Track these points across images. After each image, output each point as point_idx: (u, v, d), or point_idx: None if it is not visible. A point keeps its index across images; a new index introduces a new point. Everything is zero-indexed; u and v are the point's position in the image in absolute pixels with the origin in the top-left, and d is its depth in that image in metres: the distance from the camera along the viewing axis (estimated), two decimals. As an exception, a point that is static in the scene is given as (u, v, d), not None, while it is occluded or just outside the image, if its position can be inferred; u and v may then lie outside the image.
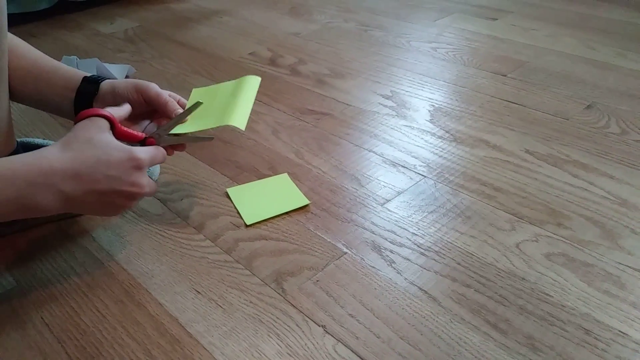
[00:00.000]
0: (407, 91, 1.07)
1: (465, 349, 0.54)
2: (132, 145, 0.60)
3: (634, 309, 0.57)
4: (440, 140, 0.90)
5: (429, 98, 1.04)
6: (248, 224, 0.72)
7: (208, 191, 0.79)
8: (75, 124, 0.59)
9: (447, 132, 0.92)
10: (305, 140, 0.91)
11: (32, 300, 0.62)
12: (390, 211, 0.73)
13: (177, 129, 0.67)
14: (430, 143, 0.89)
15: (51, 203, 0.54)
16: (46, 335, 0.57)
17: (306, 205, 0.75)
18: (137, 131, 0.65)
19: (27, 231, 0.72)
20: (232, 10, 1.64)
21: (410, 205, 0.74)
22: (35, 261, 0.67)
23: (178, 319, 0.58)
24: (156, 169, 0.82)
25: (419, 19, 1.49)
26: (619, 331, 0.55)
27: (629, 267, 0.63)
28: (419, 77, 1.13)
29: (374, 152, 0.87)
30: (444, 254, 0.66)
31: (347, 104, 1.03)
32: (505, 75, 1.12)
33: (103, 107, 0.68)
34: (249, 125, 0.95)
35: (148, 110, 0.70)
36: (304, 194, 0.77)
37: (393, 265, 0.64)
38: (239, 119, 0.67)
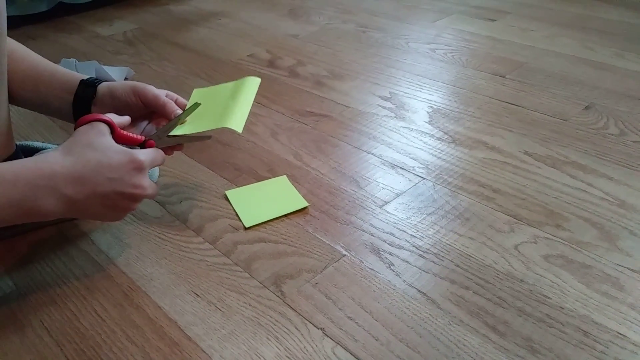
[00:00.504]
0: (405, 92, 1.07)
1: (464, 351, 0.54)
2: (132, 148, 0.60)
3: (632, 311, 0.57)
4: (438, 141, 0.90)
5: (428, 99, 1.04)
6: (247, 226, 0.72)
7: (207, 194, 0.79)
8: (75, 129, 0.59)
9: (445, 133, 0.92)
10: (304, 142, 0.91)
11: (31, 303, 0.62)
12: (389, 213, 0.73)
13: (176, 131, 0.67)
14: (429, 144, 0.89)
15: (54, 207, 0.54)
16: (45, 338, 0.57)
17: (305, 208, 0.75)
18: (135, 134, 0.65)
19: (26, 234, 0.72)
20: (230, 12, 1.64)
21: (409, 207, 0.74)
22: (35, 264, 0.67)
23: (177, 322, 0.58)
24: (155, 171, 0.82)
25: (417, 20, 1.49)
26: (618, 333, 0.55)
27: (628, 268, 0.63)
28: (417, 78, 1.14)
29: (372, 153, 0.87)
30: (442, 256, 0.66)
31: (346, 106, 1.03)
32: (503, 77, 1.12)
33: (102, 110, 0.68)
34: (247, 127, 0.95)
35: (146, 112, 0.70)
36: (303, 196, 0.77)
37: (392, 267, 0.64)
38: (236, 121, 0.67)
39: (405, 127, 0.95)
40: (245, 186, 0.80)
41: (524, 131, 0.92)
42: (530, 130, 0.92)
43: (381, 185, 0.79)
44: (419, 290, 0.61)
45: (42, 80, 0.70)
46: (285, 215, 0.73)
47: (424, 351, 0.54)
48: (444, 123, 0.95)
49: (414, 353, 0.54)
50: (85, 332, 0.58)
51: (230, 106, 0.69)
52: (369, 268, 0.64)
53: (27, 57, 0.70)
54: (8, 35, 0.62)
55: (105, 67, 1.15)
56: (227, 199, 0.77)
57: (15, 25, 1.56)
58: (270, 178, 0.82)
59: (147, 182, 0.60)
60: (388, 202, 0.76)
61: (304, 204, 0.75)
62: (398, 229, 0.71)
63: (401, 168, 0.83)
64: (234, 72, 1.21)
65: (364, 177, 0.81)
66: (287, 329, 0.57)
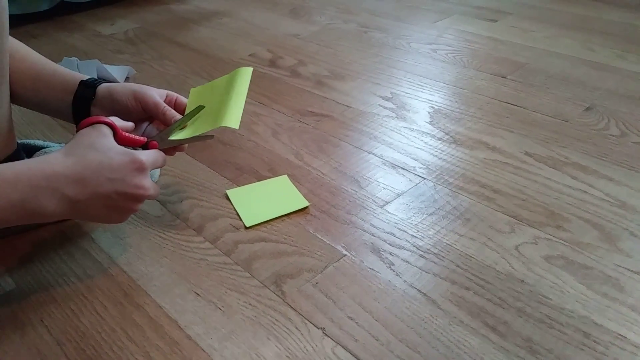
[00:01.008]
0: (406, 93, 1.07)
1: (464, 352, 0.54)
2: (134, 150, 0.60)
3: (632, 312, 0.57)
4: (439, 142, 0.90)
5: (429, 100, 1.04)
6: (247, 225, 0.72)
7: (208, 193, 0.79)
8: (77, 131, 0.60)
9: (446, 133, 0.92)
10: (305, 141, 0.91)
11: (32, 302, 0.62)
12: (390, 213, 0.73)
13: (177, 135, 0.68)
14: (430, 145, 0.89)
15: (55, 208, 0.54)
16: (45, 337, 0.57)
17: (306, 207, 0.75)
18: (137, 136, 0.65)
19: (26, 233, 0.72)
20: (232, 12, 1.64)
21: (410, 207, 0.74)
22: (35, 263, 0.67)
23: (177, 321, 0.58)
24: (156, 171, 0.82)
25: (418, 20, 1.49)
26: (618, 334, 0.55)
27: (628, 269, 0.63)
28: (418, 78, 1.14)
29: (373, 154, 0.87)
30: (443, 256, 0.66)
31: (347, 106, 1.03)
32: (504, 77, 1.12)
33: (101, 112, 0.68)
34: (248, 127, 0.95)
35: (146, 115, 0.70)
36: (304, 196, 0.77)
37: (392, 267, 0.64)
38: (232, 118, 0.67)
39: (406, 128, 0.95)
40: (246, 185, 0.80)
41: (524, 132, 0.92)
42: (531, 131, 0.92)
43: (382, 185, 0.79)
44: (419, 291, 0.61)
45: (42, 80, 0.70)
46: (286, 215, 0.74)
47: (424, 351, 0.54)
48: (445, 123, 0.95)
49: (414, 353, 0.54)
50: (85, 331, 0.58)
51: (224, 103, 0.69)
52: (370, 268, 0.64)
53: (28, 56, 0.70)
54: (10, 34, 0.62)
55: (107, 66, 1.15)
56: (227, 198, 0.78)
57: (17, 23, 1.56)
58: (271, 178, 0.82)
59: (148, 183, 0.60)
60: (389, 202, 0.76)
61: (305, 203, 0.75)
62: (399, 229, 0.71)
63: (402, 168, 0.83)
64: (235, 71, 1.21)
65: (364, 177, 0.81)
66: (287, 328, 0.57)
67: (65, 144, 0.60)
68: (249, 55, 1.30)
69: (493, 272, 0.63)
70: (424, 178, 0.81)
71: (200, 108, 0.68)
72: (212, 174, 0.83)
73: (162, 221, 0.74)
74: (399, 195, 0.77)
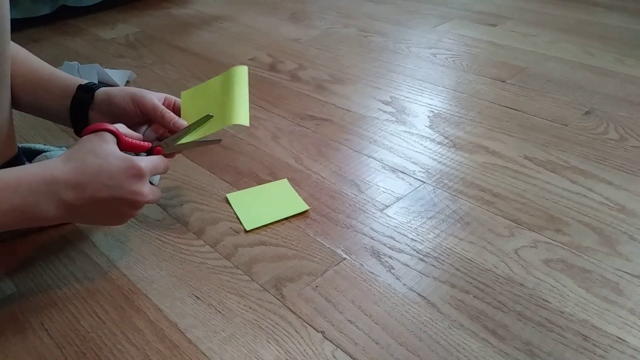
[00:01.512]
0: (406, 97, 1.08)
1: (464, 355, 0.54)
2: (139, 155, 0.60)
3: (632, 315, 0.58)
4: (439, 146, 0.90)
5: (429, 104, 1.04)
6: (248, 229, 0.72)
7: (208, 197, 0.79)
8: (81, 137, 0.60)
9: (446, 137, 0.92)
10: (305, 145, 0.92)
11: (32, 305, 0.62)
12: (390, 217, 0.74)
13: (183, 140, 0.68)
14: (430, 149, 0.89)
15: (54, 212, 0.55)
16: (46, 340, 0.57)
17: (306, 211, 0.75)
18: (142, 141, 0.65)
19: (27, 237, 0.72)
20: (232, 16, 1.65)
21: (410, 211, 0.75)
22: (36, 266, 0.67)
23: (177, 325, 0.59)
24: (156, 177, 0.82)
25: (418, 24, 1.50)
26: (617, 337, 0.55)
27: (627, 273, 0.63)
28: (418, 82, 1.14)
29: (373, 157, 0.87)
30: (442, 260, 0.66)
31: (347, 110, 1.03)
32: (504, 81, 1.12)
33: (99, 116, 0.68)
34: (248, 131, 0.96)
35: (145, 118, 0.70)
36: (304, 200, 0.77)
37: (392, 271, 0.64)
38: (241, 116, 0.66)
39: (406, 132, 0.95)
40: (246, 189, 0.80)
41: (524, 136, 0.92)
42: (530, 135, 0.92)
43: (382, 189, 0.80)
44: (419, 294, 0.61)
45: (41, 85, 0.70)
46: (286, 219, 0.74)
47: (424, 355, 0.54)
48: (445, 127, 0.96)
49: (414, 357, 0.54)
50: (85, 334, 0.58)
51: (228, 102, 0.68)
52: (369, 271, 0.65)
53: (28, 61, 0.70)
54: (11, 38, 0.62)
55: (107, 70, 1.15)
56: (228, 202, 0.78)
57: (18, 27, 1.57)
58: (271, 181, 0.82)
59: (146, 189, 0.60)
60: (388, 206, 0.76)
61: (305, 207, 0.75)
62: (398, 232, 0.71)
63: (402, 172, 0.83)
64: (236, 75, 1.21)
65: (364, 181, 0.81)
66: (287, 332, 0.57)
67: (66, 147, 0.60)
68: (249, 59, 1.30)
69: (492, 276, 0.63)
70: (424, 182, 0.81)
71: (208, 117, 0.68)
72: (212, 178, 0.84)
73: (163, 225, 0.74)
74: (398, 199, 0.77)
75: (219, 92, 0.71)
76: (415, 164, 0.85)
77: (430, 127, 0.96)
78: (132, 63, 1.30)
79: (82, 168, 0.56)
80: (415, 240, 0.69)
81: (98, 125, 0.60)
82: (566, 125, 0.95)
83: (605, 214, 0.73)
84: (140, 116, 0.69)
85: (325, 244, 0.69)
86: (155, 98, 0.69)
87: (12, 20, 0.62)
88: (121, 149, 0.60)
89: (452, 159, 0.86)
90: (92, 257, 0.69)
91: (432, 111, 1.02)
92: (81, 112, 0.69)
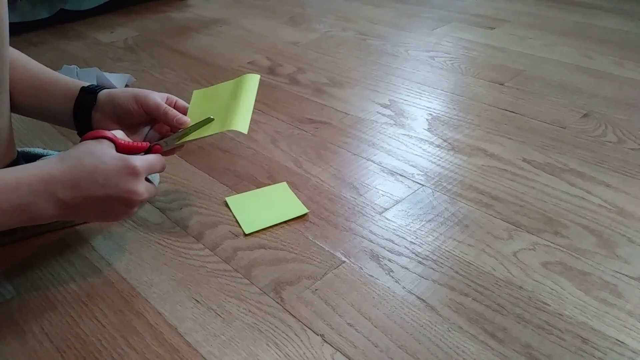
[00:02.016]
0: (405, 100, 1.08)
1: (463, 358, 0.54)
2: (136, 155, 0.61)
3: (630, 318, 0.58)
4: (438, 149, 0.90)
5: (427, 107, 1.05)
6: (247, 233, 0.72)
7: (207, 200, 0.79)
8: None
9: (444, 140, 0.93)
10: (304, 149, 0.92)
11: (32, 309, 0.62)
12: (389, 220, 0.74)
13: (183, 139, 0.68)
14: (428, 152, 0.89)
15: (52, 210, 0.56)
16: (46, 344, 0.57)
17: (305, 214, 0.75)
18: (139, 142, 0.65)
19: (27, 241, 0.72)
20: (231, 20, 1.65)
21: (409, 214, 0.75)
22: (35, 270, 0.67)
23: (177, 328, 0.59)
24: (155, 177, 0.82)
25: (417, 28, 1.50)
26: (616, 340, 0.55)
27: (626, 275, 0.63)
28: (417, 85, 1.14)
29: (372, 160, 0.88)
30: (442, 263, 0.66)
31: (346, 113, 1.04)
32: (502, 84, 1.13)
33: (103, 117, 0.69)
34: (248, 134, 0.96)
35: (148, 118, 0.70)
36: (303, 203, 0.77)
37: (391, 274, 0.65)
38: (241, 122, 0.67)
39: (404, 135, 0.95)
40: (245, 193, 0.80)
41: (522, 138, 0.92)
42: (529, 138, 0.92)
43: (381, 192, 0.80)
44: (418, 297, 0.61)
45: (44, 88, 0.70)
46: (285, 222, 0.74)
47: (423, 358, 0.54)
48: (443, 130, 0.96)
49: (413, 359, 0.54)
50: (85, 338, 0.58)
51: (232, 107, 0.69)
52: (369, 274, 0.65)
53: (28, 65, 0.71)
54: (10, 43, 0.63)
55: (106, 74, 1.15)
56: (227, 205, 0.78)
57: (17, 31, 1.57)
58: (270, 185, 0.82)
59: (142, 188, 0.60)
60: (387, 209, 0.76)
61: (304, 210, 0.75)
62: (397, 235, 0.71)
63: (400, 175, 0.84)
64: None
65: (363, 184, 0.82)
66: (286, 335, 0.57)
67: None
68: (248, 62, 1.30)
69: (491, 279, 0.63)
70: (423, 185, 0.81)
71: (209, 120, 0.68)
72: (211, 181, 0.84)
73: (162, 228, 0.74)
74: (397, 202, 0.77)
75: (227, 97, 0.72)
76: (414, 166, 0.85)
77: (428, 130, 0.96)
78: (131, 67, 1.31)
79: (79, 167, 0.57)
80: (414, 243, 0.69)
81: (96, 133, 0.61)
82: (564, 128, 0.95)
83: (604, 216, 0.73)
84: (143, 116, 0.69)
85: (324, 247, 0.69)
86: (158, 97, 0.70)
87: (10, 24, 0.62)
88: (119, 152, 0.60)
89: (450, 162, 0.86)
90: (92, 260, 0.69)
91: (430, 114, 1.02)
92: (84, 114, 0.69)
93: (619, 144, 0.90)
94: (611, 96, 1.06)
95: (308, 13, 1.68)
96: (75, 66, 1.19)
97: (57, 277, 0.66)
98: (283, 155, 0.90)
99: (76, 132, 0.72)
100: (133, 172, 0.59)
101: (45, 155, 0.77)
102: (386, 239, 0.70)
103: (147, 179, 0.63)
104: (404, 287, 0.63)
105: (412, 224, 0.73)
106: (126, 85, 1.18)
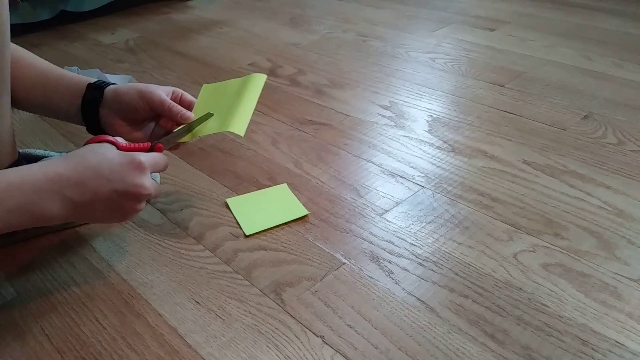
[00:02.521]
0: (405, 101, 1.08)
1: (463, 360, 0.54)
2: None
3: (630, 319, 0.58)
4: (438, 150, 0.90)
5: (427, 108, 1.05)
6: (247, 234, 0.72)
7: (207, 201, 0.79)
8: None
9: (445, 142, 0.93)
10: (304, 150, 0.92)
11: (32, 310, 0.62)
12: (389, 221, 0.74)
13: (185, 138, 0.69)
14: (429, 153, 0.89)
15: (59, 210, 0.55)
16: (46, 345, 0.58)
17: (305, 216, 0.75)
18: (140, 143, 0.66)
19: (27, 242, 0.72)
20: (232, 21, 1.66)
21: (409, 215, 0.75)
22: (36, 272, 0.68)
23: (177, 330, 0.59)
24: (157, 177, 0.82)
25: (417, 29, 1.50)
26: (616, 342, 0.55)
27: (626, 277, 0.63)
28: (417, 87, 1.14)
29: (372, 162, 0.88)
30: (441, 265, 0.66)
31: (346, 115, 1.04)
32: (502, 86, 1.13)
33: (110, 113, 0.70)
34: (248, 136, 0.96)
35: (153, 114, 0.71)
36: (303, 204, 0.77)
37: (391, 275, 0.65)
38: (239, 124, 0.68)
39: (404, 136, 0.95)
40: (246, 194, 0.80)
41: (522, 140, 0.92)
42: (529, 140, 0.92)
43: (381, 193, 0.80)
44: (418, 299, 0.61)
45: (50, 85, 0.71)
46: (285, 224, 0.74)
47: (423, 359, 0.54)
48: (444, 132, 0.96)
49: (413, 361, 0.54)
50: (85, 340, 0.58)
51: (234, 107, 0.70)
52: (369, 276, 0.65)
53: (34, 63, 0.71)
54: (11, 43, 0.63)
55: (107, 75, 1.15)
56: (227, 206, 0.78)
57: (18, 33, 1.57)
58: (270, 186, 0.82)
59: (148, 182, 0.60)
60: (388, 211, 0.76)
61: (304, 212, 0.76)
62: (397, 237, 0.71)
63: (401, 177, 0.84)
64: (235, 80, 1.22)
65: (363, 186, 0.82)
66: (286, 336, 0.57)
67: (66, 153, 0.61)
68: (249, 64, 1.30)
69: (491, 280, 0.63)
70: (423, 186, 0.81)
71: (209, 115, 0.69)
72: (211, 183, 0.84)
73: (162, 230, 0.74)
74: (397, 203, 0.77)
75: (233, 95, 0.72)
76: (414, 168, 0.86)
77: (429, 131, 0.96)
78: (132, 68, 1.31)
79: (84, 165, 0.56)
80: (415, 245, 0.69)
81: (97, 138, 0.61)
82: (564, 130, 0.95)
83: (604, 218, 0.73)
84: (148, 112, 0.70)
85: (324, 248, 0.69)
86: (163, 92, 0.70)
87: (12, 26, 0.62)
88: None
89: (450, 164, 0.86)
90: (92, 262, 0.69)
91: (430, 116, 1.02)
92: (92, 110, 0.70)
93: (619, 145, 0.90)
94: (611, 98, 1.06)
95: (308, 14, 1.68)
96: (77, 67, 1.19)
97: (58, 278, 0.66)
98: (283, 157, 0.90)
99: (85, 128, 0.72)
100: (139, 166, 0.59)
101: (46, 157, 0.77)
102: (386, 241, 0.70)
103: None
104: (404, 289, 0.63)
105: (412, 226, 0.73)
106: (127, 87, 1.19)
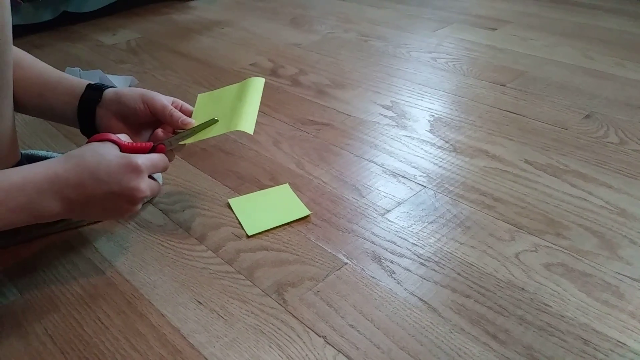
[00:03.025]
0: (407, 101, 1.08)
1: (465, 360, 0.54)
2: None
3: (632, 319, 0.58)
4: (440, 150, 0.90)
5: (429, 108, 1.05)
6: (249, 234, 0.72)
7: (210, 202, 0.80)
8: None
9: (446, 142, 0.93)
10: (306, 150, 0.92)
11: (35, 311, 0.62)
12: (391, 221, 0.74)
13: (187, 140, 0.69)
14: (430, 153, 0.89)
15: (57, 209, 0.57)
16: (49, 346, 0.58)
17: (307, 216, 0.75)
18: (142, 142, 0.66)
19: (30, 242, 0.73)
20: (233, 21, 1.66)
21: (410, 215, 0.75)
22: (39, 272, 0.68)
23: (180, 330, 0.59)
24: (159, 177, 0.82)
25: (418, 29, 1.50)
26: (618, 341, 0.55)
27: (628, 277, 0.63)
28: (418, 87, 1.14)
29: (374, 162, 0.88)
30: (443, 265, 0.66)
31: (348, 115, 1.04)
32: (504, 85, 1.13)
33: (108, 114, 0.70)
34: (250, 136, 0.96)
35: (153, 119, 0.71)
36: (305, 205, 0.77)
37: (393, 275, 0.65)
38: (247, 123, 0.68)
39: (406, 136, 0.95)
40: (248, 194, 0.80)
41: (524, 140, 0.92)
42: (530, 139, 0.92)
43: (383, 193, 0.80)
44: (420, 299, 0.61)
45: (49, 87, 0.71)
46: (287, 224, 0.74)
47: (425, 359, 0.54)
48: (445, 132, 0.96)
49: (415, 361, 0.54)
50: (88, 340, 0.58)
51: (238, 108, 0.70)
52: (371, 276, 0.65)
53: (34, 65, 0.72)
54: (13, 45, 0.63)
55: (109, 76, 1.16)
56: (229, 207, 0.78)
57: (20, 34, 1.57)
58: (272, 186, 0.82)
59: (143, 185, 0.61)
60: (389, 211, 0.76)
61: (306, 212, 0.76)
62: (399, 237, 0.71)
63: (402, 177, 0.84)
64: (237, 81, 1.20)
65: (365, 186, 0.82)
66: (289, 337, 0.57)
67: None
68: (250, 64, 1.31)
69: (493, 280, 0.63)
70: (425, 186, 0.81)
71: (213, 121, 0.69)
72: (214, 183, 0.84)
73: (165, 230, 0.74)
74: (399, 203, 0.78)
75: (232, 99, 0.72)
76: (416, 168, 0.86)
77: (430, 131, 0.97)
78: (134, 69, 1.31)
79: (82, 165, 0.58)
80: (416, 245, 0.69)
81: (100, 136, 0.62)
82: (566, 129, 0.95)
83: (606, 217, 0.73)
84: (148, 116, 0.70)
85: (326, 248, 0.70)
86: (165, 99, 0.70)
87: (14, 27, 0.62)
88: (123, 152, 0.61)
89: (452, 163, 0.86)
90: (95, 262, 0.69)
91: (432, 115, 1.02)
92: (88, 110, 0.70)
93: (620, 145, 0.90)
94: (613, 97, 1.06)
95: (310, 15, 1.69)
96: (79, 68, 1.19)
97: (61, 278, 0.67)
98: (285, 157, 0.90)
99: (80, 130, 0.72)
100: (135, 170, 0.60)
101: (48, 158, 0.77)
102: (388, 241, 0.70)
103: (151, 177, 0.64)
104: (405, 289, 0.63)
105: (414, 226, 0.73)
106: (129, 87, 1.19)
